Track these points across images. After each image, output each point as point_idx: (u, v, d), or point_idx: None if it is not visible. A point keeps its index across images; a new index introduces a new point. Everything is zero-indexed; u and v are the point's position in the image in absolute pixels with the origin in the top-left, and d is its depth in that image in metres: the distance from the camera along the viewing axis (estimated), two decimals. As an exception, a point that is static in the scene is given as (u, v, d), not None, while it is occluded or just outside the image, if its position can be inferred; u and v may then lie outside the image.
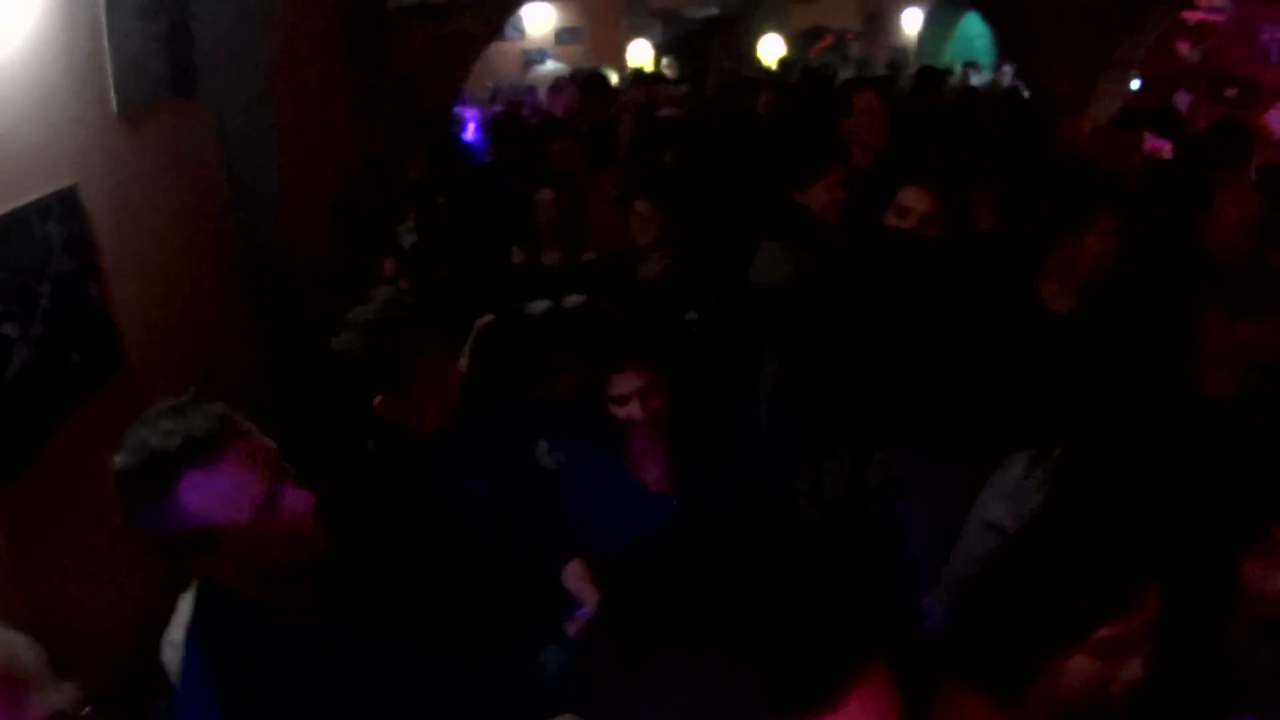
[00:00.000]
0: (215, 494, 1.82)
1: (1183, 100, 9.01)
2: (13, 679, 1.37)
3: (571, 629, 2.63)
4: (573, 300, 4.34)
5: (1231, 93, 8.80)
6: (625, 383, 2.96)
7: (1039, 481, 2.56)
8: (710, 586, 0.89)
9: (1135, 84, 8.73)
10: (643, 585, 0.94)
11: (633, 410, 2.95)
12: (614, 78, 11.41)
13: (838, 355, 3.12)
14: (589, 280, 4.22)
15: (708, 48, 18.13)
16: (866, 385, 2.95)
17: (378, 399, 2.74)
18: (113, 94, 3.17)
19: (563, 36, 15.58)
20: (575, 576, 2.79)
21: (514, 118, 7.64)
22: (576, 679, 1.01)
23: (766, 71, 14.15)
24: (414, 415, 2.75)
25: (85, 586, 2.67)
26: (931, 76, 8.68)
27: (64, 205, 2.77)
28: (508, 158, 6.80)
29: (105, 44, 3.12)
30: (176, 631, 2.31)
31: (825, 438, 3.03)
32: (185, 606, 2.26)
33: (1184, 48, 9.23)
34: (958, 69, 13.22)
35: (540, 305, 4.28)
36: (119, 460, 1.82)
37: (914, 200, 3.86)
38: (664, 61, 16.36)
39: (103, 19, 3.11)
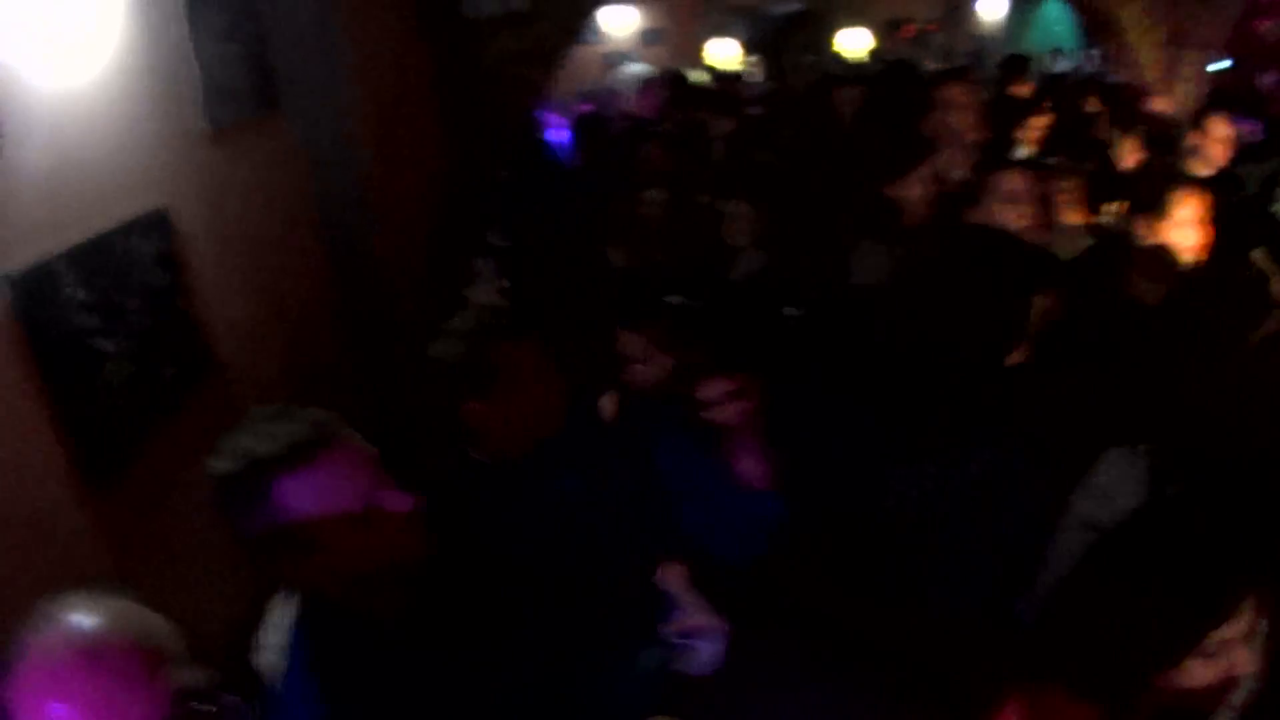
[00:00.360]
0: (313, 497, 1.85)
1: (1267, 79, 8.75)
2: (150, 653, 1.48)
3: (668, 632, 2.64)
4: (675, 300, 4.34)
5: (1313, 68, 8.53)
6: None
7: (1136, 479, 2.52)
8: None
9: (1216, 65, 8.51)
10: None
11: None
12: (698, 77, 11.40)
13: (925, 357, 3.10)
14: (688, 280, 4.23)
15: (788, 43, 18.04)
16: (953, 385, 2.92)
17: (468, 405, 2.76)
18: (201, 113, 3.26)
19: (646, 38, 15.61)
20: (675, 579, 2.80)
21: (597, 118, 7.68)
22: None
23: (850, 64, 14.02)
24: (510, 422, 2.76)
25: (182, 588, 2.75)
26: (1016, 64, 8.54)
27: (155, 224, 2.86)
28: (594, 159, 6.84)
29: (192, 64, 3.22)
30: (271, 635, 2.36)
31: (913, 440, 3.00)
32: (279, 611, 2.31)
33: (1264, 25, 8.95)
34: (1042, 55, 13.00)
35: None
36: (218, 465, 1.88)
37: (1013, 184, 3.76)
38: (750, 59, 16.30)
39: (188, 40, 3.21)
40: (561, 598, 2.38)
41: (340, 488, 1.88)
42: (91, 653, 1.39)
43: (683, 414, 3.09)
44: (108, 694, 1.37)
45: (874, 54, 15.97)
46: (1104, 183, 4.54)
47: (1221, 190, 4.12)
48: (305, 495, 1.84)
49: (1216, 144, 5.23)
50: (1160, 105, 7.17)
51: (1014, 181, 3.70)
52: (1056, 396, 3.23)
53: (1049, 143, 5.68)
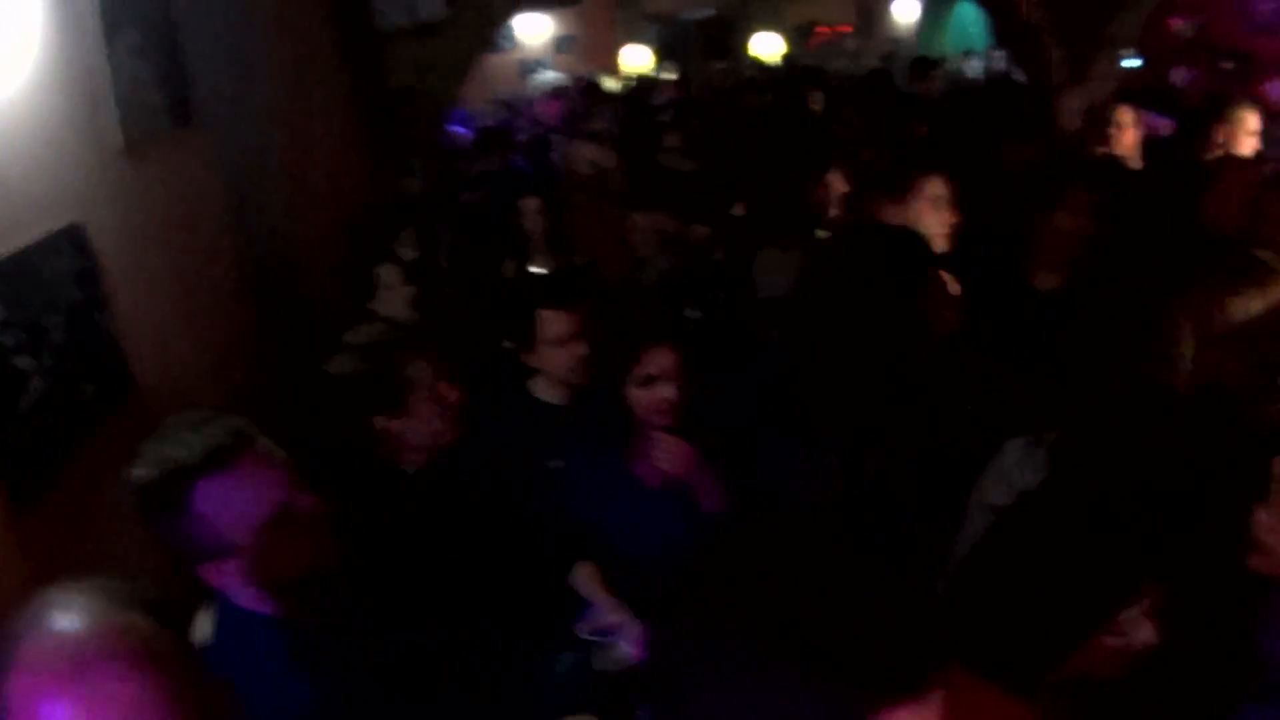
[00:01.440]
0: (230, 502, 1.90)
1: (1180, 76, 8.99)
2: (139, 647, 1.44)
3: (582, 630, 2.69)
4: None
5: (1228, 66, 8.77)
6: (658, 360, 2.96)
7: (1037, 463, 2.59)
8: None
9: (1131, 63, 8.73)
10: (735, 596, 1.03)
11: (663, 393, 2.96)
12: (609, 84, 11.48)
13: (833, 352, 3.17)
14: (585, 286, 4.28)
15: (702, 49, 18.17)
16: (862, 379, 2.98)
17: (375, 420, 2.79)
18: (117, 129, 3.25)
19: (559, 45, 15.64)
20: (585, 578, 2.85)
21: (499, 131, 7.72)
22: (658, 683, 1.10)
23: (763, 69, 14.18)
24: (412, 434, 2.79)
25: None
26: (921, 67, 8.75)
27: (72, 240, 2.86)
28: (492, 168, 6.88)
29: (107, 80, 3.21)
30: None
31: (820, 433, 3.07)
32: (205, 624, 2.33)
33: (1178, 23, 9.20)
34: (956, 58, 13.27)
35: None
36: (137, 472, 1.91)
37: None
38: (663, 65, 16.39)
39: (103, 56, 3.20)
40: (474, 603, 2.43)
41: (256, 492, 1.93)
42: (82, 653, 1.37)
43: (593, 414, 3.15)
44: (103, 694, 1.35)
45: (786, 58, 16.12)
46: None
47: (1117, 181, 4.25)
48: (223, 500, 1.89)
49: (1123, 132, 5.37)
50: (1071, 104, 7.35)
51: (937, 186, 3.80)
52: (962, 387, 3.34)
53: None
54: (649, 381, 2.96)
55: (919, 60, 9.27)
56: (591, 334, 3.30)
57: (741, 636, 1.02)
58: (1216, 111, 5.32)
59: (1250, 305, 2.67)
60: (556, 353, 3.33)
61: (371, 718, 2.10)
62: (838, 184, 4.35)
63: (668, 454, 2.97)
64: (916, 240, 3.54)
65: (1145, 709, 2.02)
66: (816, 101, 8.16)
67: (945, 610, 2.08)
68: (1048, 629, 1.84)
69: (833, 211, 4.34)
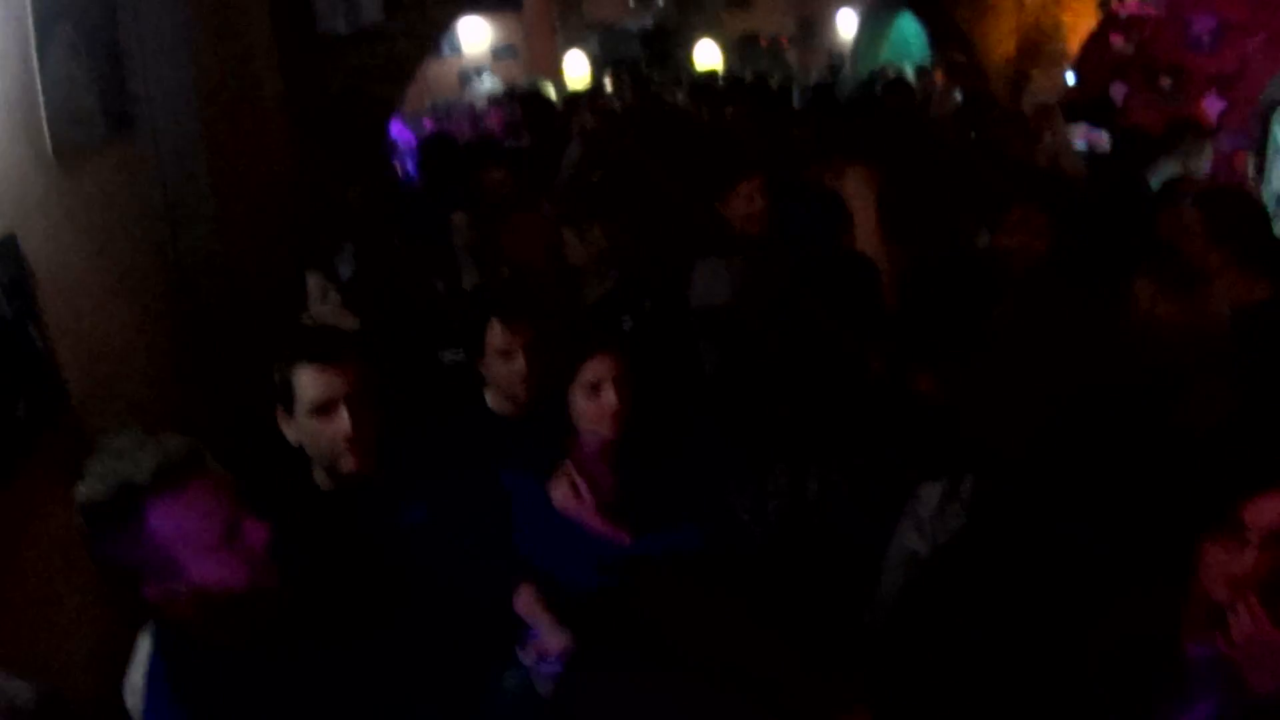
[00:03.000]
0: (183, 522, 1.87)
1: (1118, 91, 9.16)
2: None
3: (525, 655, 2.65)
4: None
5: (1165, 83, 8.95)
6: (599, 367, 2.93)
7: (955, 511, 2.60)
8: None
9: (1069, 78, 8.87)
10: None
11: (605, 401, 2.92)
12: (551, 92, 11.44)
13: (776, 370, 3.15)
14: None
15: (644, 58, 18.19)
16: (805, 398, 2.97)
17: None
18: (47, 137, 3.14)
19: (500, 53, 15.59)
20: (527, 602, 2.81)
21: (442, 142, 7.64)
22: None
23: (705, 79, 14.20)
24: (334, 455, 2.73)
25: (45, 633, 2.66)
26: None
27: (2, 252, 2.75)
28: (436, 184, 6.81)
29: (37, 87, 3.10)
30: (137, 674, 2.31)
31: (765, 453, 3.05)
32: (144, 648, 2.26)
33: (1118, 40, 9.38)
34: (902, 70, 13.37)
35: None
36: (84, 490, 1.85)
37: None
38: (604, 74, 16.38)
39: (34, 63, 3.09)
40: (418, 623, 2.39)
41: (206, 513, 1.91)
42: None
43: (538, 429, 3.11)
44: None
45: (726, 70, 16.18)
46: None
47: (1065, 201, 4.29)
48: (173, 520, 1.87)
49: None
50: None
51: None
52: (906, 405, 3.35)
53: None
54: (593, 390, 2.92)
55: (896, 81, 9.41)
56: (536, 349, 3.26)
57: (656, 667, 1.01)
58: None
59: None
60: (500, 365, 3.29)
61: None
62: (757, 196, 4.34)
63: (562, 494, 2.95)
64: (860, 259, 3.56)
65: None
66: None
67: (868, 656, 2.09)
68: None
69: (747, 225, 4.33)
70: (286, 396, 2.69)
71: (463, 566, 2.80)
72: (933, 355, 3.44)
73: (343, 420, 2.65)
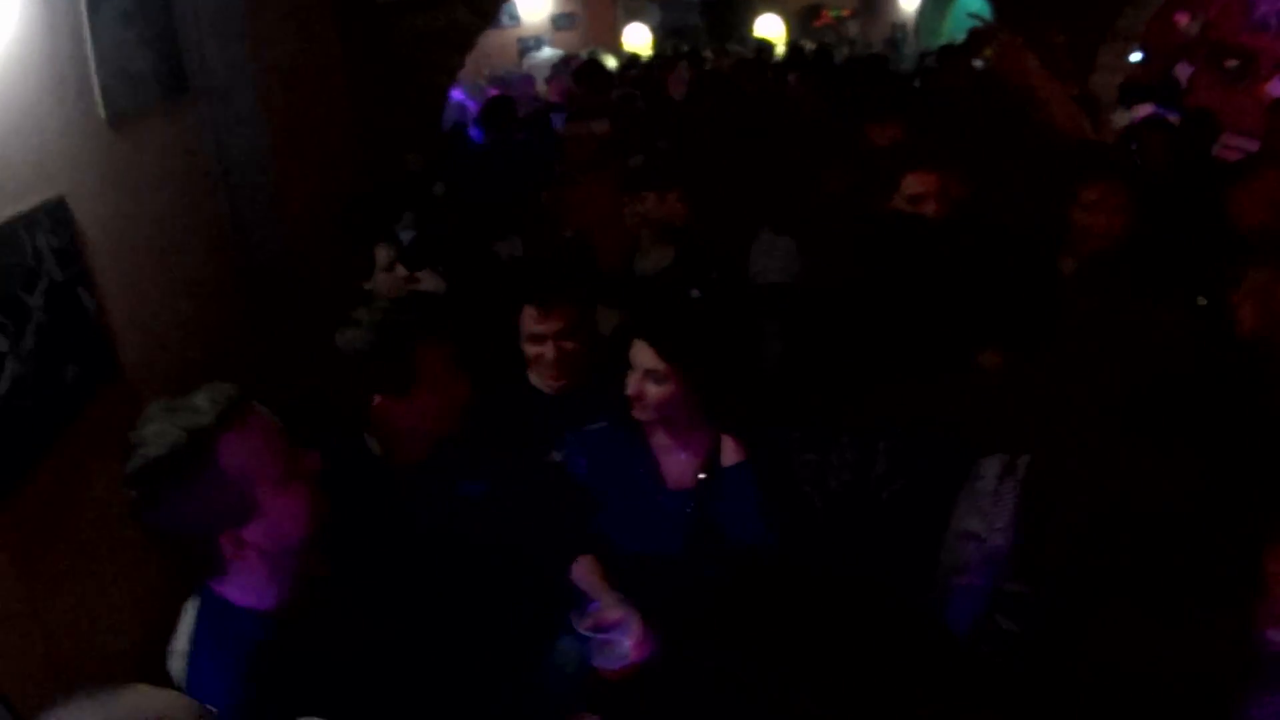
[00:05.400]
0: (252, 453, 1.92)
1: (1183, 72, 8.99)
2: None
3: (580, 626, 2.61)
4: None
5: (1231, 64, 8.78)
6: (639, 355, 2.86)
7: (1011, 490, 2.53)
8: None
9: (1136, 56, 8.68)
10: None
11: (645, 388, 2.85)
12: (611, 63, 11.37)
13: (845, 342, 3.09)
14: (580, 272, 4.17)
15: (704, 29, 18.09)
16: (874, 372, 2.91)
17: (377, 399, 2.72)
18: (99, 101, 3.13)
19: (559, 22, 15.53)
20: (585, 572, 2.78)
21: (504, 101, 7.61)
22: None
23: (770, 51, 14.05)
24: (415, 416, 2.74)
25: (93, 598, 2.66)
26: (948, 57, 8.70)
27: (53, 216, 2.74)
28: (501, 145, 6.78)
29: (89, 51, 3.08)
30: (182, 640, 2.31)
31: (830, 426, 2.99)
32: (189, 615, 2.26)
33: (1183, 20, 9.21)
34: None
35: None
36: (146, 452, 1.86)
37: (920, 186, 3.82)
38: (662, 45, 16.29)
39: (86, 26, 3.07)
40: (471, 595, 2.37)
41: (271, 442, 1.97)
42: None
43: (594, 405, 3.07)
44: None
45: (789, 42, 16.02)
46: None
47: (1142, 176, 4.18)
48: (244, 452, 1.90)
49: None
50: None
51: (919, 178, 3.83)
52: (973, 385, 3.26)
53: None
54: (632, 370, 2.87)
55: (946, 48, 9.25)
56: (571, 334, 3.21)
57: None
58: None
59: None
60: (533, 349, 3.25)
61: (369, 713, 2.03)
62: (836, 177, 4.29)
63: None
64: (923, 227, 3.47)
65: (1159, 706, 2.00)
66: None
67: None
68: None
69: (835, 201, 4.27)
70: None
71: (520, 537, 2.77)
72: (999, 333, 3.34)
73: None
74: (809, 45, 14.17)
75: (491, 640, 2.38)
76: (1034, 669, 2.09)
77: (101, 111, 3.14)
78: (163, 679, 2.35)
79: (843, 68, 9.68)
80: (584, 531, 2.90)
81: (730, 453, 2.94)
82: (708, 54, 13.22)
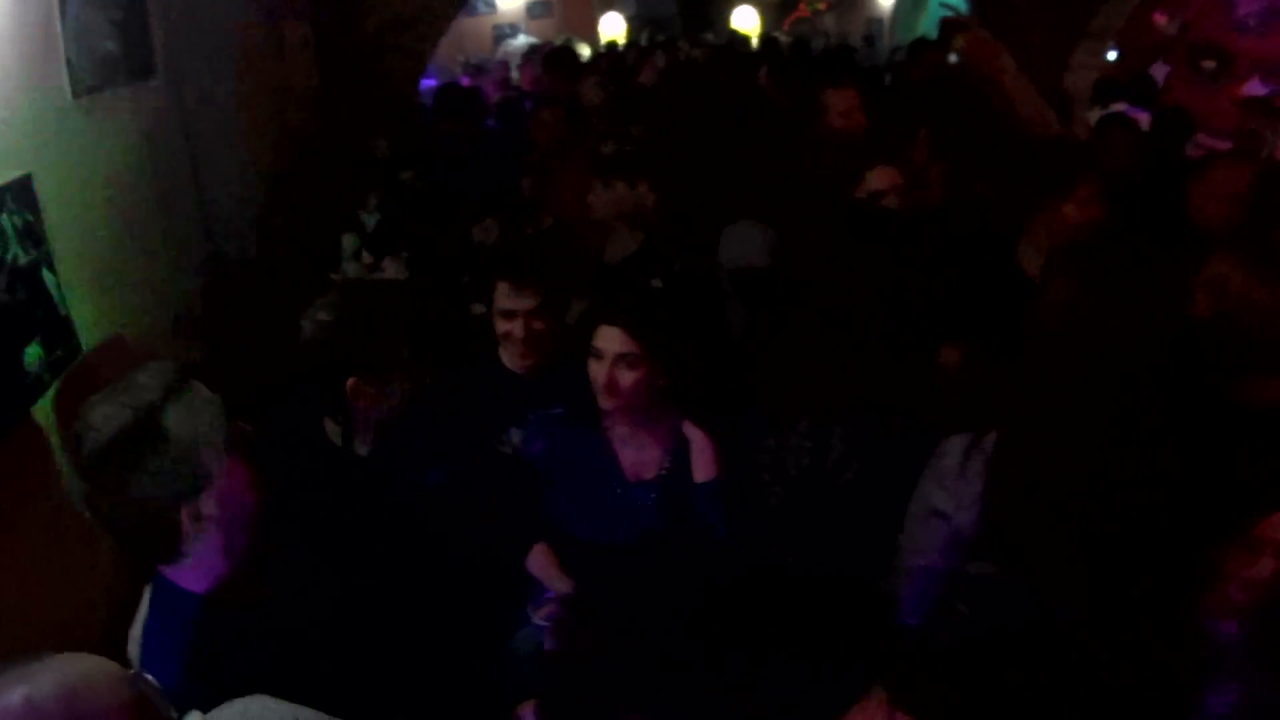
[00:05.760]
0: (200, 421, 1.92)
1: (1159, 71, 9.01)
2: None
3: (535, 614, 2.62)
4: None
5: (1209, 64, 8.81)
6: (605, 339, 2.83)
7: (977, 468, 2.54)
8: None
9: (1112, 55, 8.71)
10: None
11: (613, 373, 2.82)
12: (585, 52, 11.33)
13: (803, 327, 3.09)
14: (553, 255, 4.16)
15: (680, 19, 18.07)
16: (830, 358, 2.91)
17: (350, 381, 2.71)
18: (66, 79, 3.11)
19: (534, 10, 15.46)
20: (540, 562, 2.78)
21: (457, 90, 7.55)
22: None
23: (746, 42, 14.05)
24: (385, 397, 2.73)
25: (53, 581, 2.65)
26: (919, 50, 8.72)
27: (18, 194, 2.72)
28: (466, 131, 6.75)
29: (58, 30, 3.06)
30: (138, 627, 2.30)
31: (787, 412, 2.99)
32: (146, 602, 2.25)
33: (1161, 19, 9.22)
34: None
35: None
36: (103, 428, 1.85)
37: (881, 181, 3.85)
38: (638, 35, 16.24)
39: (55, 5, 3.05)
40: (430, 579, 2.37)
41: (216, 412, 1.96)
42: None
43: (560, 389, 3.07)
44: None
45: (764, 34, 16.00)
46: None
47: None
48: (191, 420, 1.90)
49: None
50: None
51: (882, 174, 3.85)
52: (932, 370, 3.29)
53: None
54: (598, 359, 2.85)
55: (919, 43, 9.24)
56: (541, 314, 3.21)
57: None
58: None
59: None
60: (503, 325, 3.24)
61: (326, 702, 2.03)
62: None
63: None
64: (895, 218, 3.49)
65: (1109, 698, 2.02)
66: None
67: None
68: None
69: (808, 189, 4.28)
70: None
71: (477, 525, 2.78)
72: (961, 329, 3.37)
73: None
74: (784, 38, 14.19)
75: (449, 627, 2.39)
76: (991, 659, 2.11)
77: (69, 91, 3.12)
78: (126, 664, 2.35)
79: (815, 60, 9.66)
80: (536, 517, 2.90)
81: (703, 466, 2.94)
82: (683, 44, 13.19)
